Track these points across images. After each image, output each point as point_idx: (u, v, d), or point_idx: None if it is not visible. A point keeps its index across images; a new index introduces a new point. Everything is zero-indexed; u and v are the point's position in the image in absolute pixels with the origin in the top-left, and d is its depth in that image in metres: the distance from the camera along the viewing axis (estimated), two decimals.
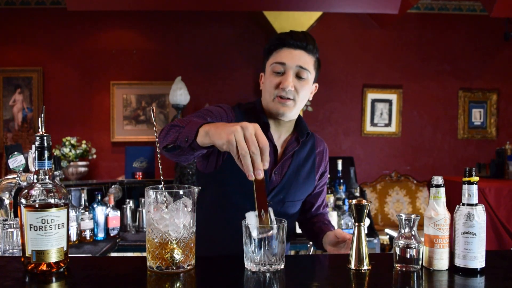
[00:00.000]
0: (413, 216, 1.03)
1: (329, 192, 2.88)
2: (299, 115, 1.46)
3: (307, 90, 1.35)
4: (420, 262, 1.03)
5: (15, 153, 1.35)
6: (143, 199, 2.94)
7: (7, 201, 1.38)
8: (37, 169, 1.01)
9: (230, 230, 1.25)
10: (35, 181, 1.01)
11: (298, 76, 1.32)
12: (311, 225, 1.52)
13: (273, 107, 1.33)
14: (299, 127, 1.43)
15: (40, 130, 1.04)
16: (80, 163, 4.34)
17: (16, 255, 1.25)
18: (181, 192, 1.02)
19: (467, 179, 1.03)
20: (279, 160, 1.38)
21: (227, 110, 1.37)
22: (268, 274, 0.99)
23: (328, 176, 1.60)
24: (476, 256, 1.00)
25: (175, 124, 1.18)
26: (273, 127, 1.38)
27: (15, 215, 1.25)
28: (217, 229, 1.40)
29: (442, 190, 1.05)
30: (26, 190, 1.00)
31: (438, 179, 1.05)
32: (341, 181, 3.03)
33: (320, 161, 1.49)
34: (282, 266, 1.02)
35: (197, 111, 1.36)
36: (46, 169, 1.01)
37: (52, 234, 0.98)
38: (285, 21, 4.50)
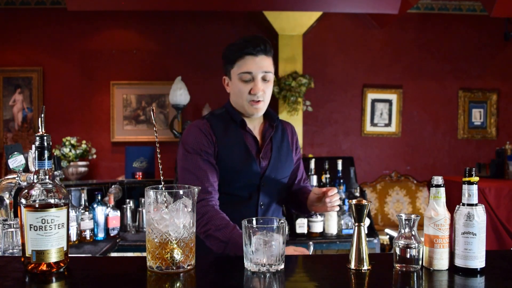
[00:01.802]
0: (413, 216, 1.04)
1: None
2: None
3: (271, 88, 1.53)
4: (420, 262, 1.03)
5: (15, 153, 1.35)
6: (143, 199, 2.94)
7: (7, 201, 1.38)
8: (37, 169, 1.01)
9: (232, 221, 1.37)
10: (35, 181, 1.01)
11: (264, 79, 1.48)
12: (296, 196, 1.65)
13: (248, 110, 1.50)
14: (268, 115, 1.60)
15: (40, 130, 1.04)
16: (80, 163, 4.34)
17: (16, 255, 1.25)
18: (181, 192, 1.02)
19: (467, 179, 1.03)
20: (261, 147, 1.54)
21: (206, 132, 1.47)
22: (268, 274, 0.99)
23: (302, 153, 1.75)
24: (476, 256, 1.00)
25: (217, 237, 1.34)
26: (248, 122, 1.55)
27: (15, 215, 1.25)
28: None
29: (442, 190, 1.05)
30: (26, 190, 1.00)
31: (438, 179, 1.05)
32: (341, 181, 3.03)
33: (291, 139, 1.65)
34: (282, 266, 1.02)
35: (193, 162, 1.44)
36: (46, 169, 1.01)
37: (52, 234, 0.98)
38: (285, 21, 4.50)
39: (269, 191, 1.51)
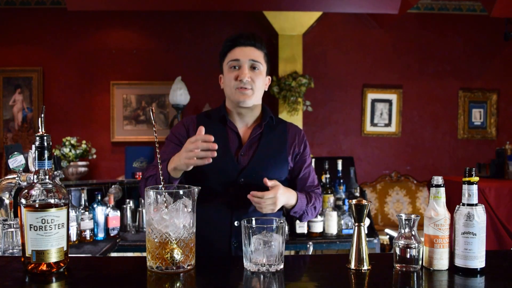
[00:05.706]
0: (413, 216, 1.04)
1: (329, 192, 2.88)
2: (263, 105, 1.63)
3: (261, 80, 1.54)
4: (420, 262, 1.03)
5: (15, 153, 1.35)
6: (143, 199, 2.93)
7: (7, 201, 1.38)
8: (37, 169, 1.01)
9: (216, 218, 1.47)
10: (35, 181, 1.01)
11: (252, 68, 1.52)
12: None
13: (234, 97, 1.52)
14: (264, 115, 1.60)
15: (40, 130, 1.04)
16: (80, 163, 4.34)
17: (16, 255, 1.25)
18: (181, 192, 1.02)
19: (467, 179, 1.03)
20: (244, 144, 1.54)
21: (187, 124, 1.59)
22: (267, 274, 0.99)
23: (311, 161, 1.70)
24: (476, 256, 1.00)
25: (148, 175, 1.46)
26: (237, 118, 1.58)
27: (15, 215, 1.25)
28: (204, 224, 1.47)
29: (442, 190, 1.05)
30: (26, 190, 1.00)
31: (438, 179, 1.05)
32: (341, 181, 3.03)
33: (291, 142, 1.61)
34: (282, 266, 1.02)
35: (165, 146, 1.59)
36: (46, 169, 1.01)
37: (52, 234, 0.98)
38: (285, 21, 4.50)
39: (248, 189, 1.45)
